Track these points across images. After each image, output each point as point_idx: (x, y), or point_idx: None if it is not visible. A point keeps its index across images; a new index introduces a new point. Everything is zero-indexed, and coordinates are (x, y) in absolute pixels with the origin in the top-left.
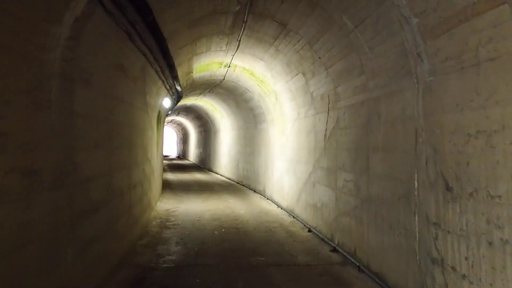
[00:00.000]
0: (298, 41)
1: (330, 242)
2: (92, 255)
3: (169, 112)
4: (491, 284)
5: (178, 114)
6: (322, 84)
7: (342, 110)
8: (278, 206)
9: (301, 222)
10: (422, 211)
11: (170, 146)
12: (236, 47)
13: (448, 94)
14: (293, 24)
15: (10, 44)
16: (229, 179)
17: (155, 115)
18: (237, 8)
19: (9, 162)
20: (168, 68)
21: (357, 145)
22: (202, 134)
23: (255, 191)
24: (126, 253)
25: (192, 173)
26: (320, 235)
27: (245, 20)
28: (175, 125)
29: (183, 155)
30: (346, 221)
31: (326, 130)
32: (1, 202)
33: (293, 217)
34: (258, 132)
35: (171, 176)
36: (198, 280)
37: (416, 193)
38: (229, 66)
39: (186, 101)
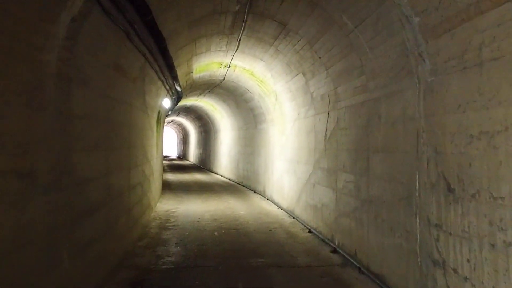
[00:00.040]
0: (298, 41)
1: (331, 243)
2: (91, 256)
3: (169, 113)
4: (493, 287)
5: (178, 114)
6: (322, 84)
7: (342, 110)
8: (278, 206)
9: (301, 223)
10: (423, 213)
11: (170, 147)
12: (236, 47)
13: (450, 95)
14: (293, 24)
15: (5, 43)
16: (229, 179)
17: (155, 115)
18: (236, 8)
19: (5, 163)
20: (167, 68)
21: (357, 145)
22: (202, 135)
23: (255, 192)
24: (125, 254)
25: (192, 173)
26: (320, 236)
27: (245, 20)
28: (175, 126)
29: (183, 155)
30: (346, 222)
31: (326, 131)
32: None
33: (293, 217)
34: (258, 132)
35: (171, 176)
36: (197, 282)
37: (417, 195)
38: (229, 66)
39: (186, 102)
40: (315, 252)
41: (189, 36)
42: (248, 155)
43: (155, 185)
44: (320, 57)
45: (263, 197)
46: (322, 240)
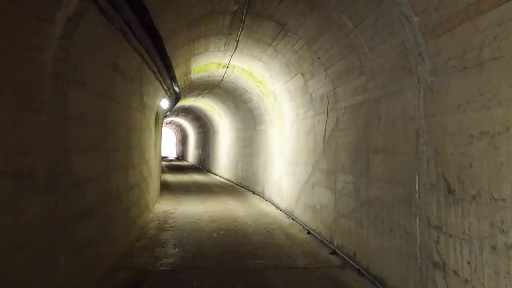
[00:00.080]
0: (297, 41)
1: (330, 245)
2: (89, 257)
3: (168, 113)
4: None
5: (177, 115)
6: (321, 84)
7: (341, 111)
8: (277, 207)
9: (300, 224)
10: (423, 214)
11: (169, 147)
12: (234, 48)
13: (450, 95)
14: (291, 24)
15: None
16: (228, 180)
17: (153, 116)
18: (235, 8)
19: (2, 163)
20: (165, 69)
21: (356, 146)
22: (201, 135)
23: (254, 193)
24: (123, 255)
25: (191, 174)
26: (319, 237)
27: (243, 20)
28: (174, 126)
29: (182, 156)
30: (345, 224)
31: (325, 131)
32: None
33: (292, 219)
34: (257, 133)
35: (169, 177)
36: (195, 283)
37: (417, 196)
38: (227, 67)
39: (185, 102)
40: (314, 253)
41: (188, 36)
42: (247, 156)
43: (153, 186)
44: (319, 58)
45: (262, 198)
46: (321, 241)
